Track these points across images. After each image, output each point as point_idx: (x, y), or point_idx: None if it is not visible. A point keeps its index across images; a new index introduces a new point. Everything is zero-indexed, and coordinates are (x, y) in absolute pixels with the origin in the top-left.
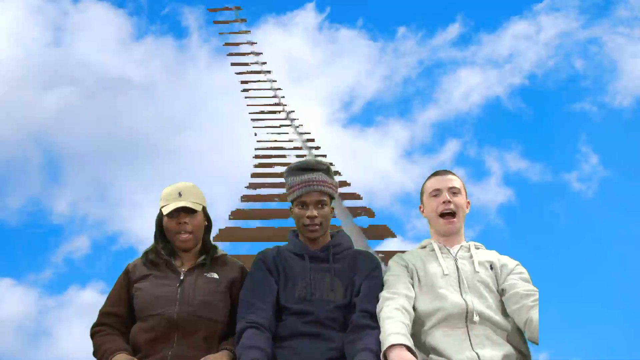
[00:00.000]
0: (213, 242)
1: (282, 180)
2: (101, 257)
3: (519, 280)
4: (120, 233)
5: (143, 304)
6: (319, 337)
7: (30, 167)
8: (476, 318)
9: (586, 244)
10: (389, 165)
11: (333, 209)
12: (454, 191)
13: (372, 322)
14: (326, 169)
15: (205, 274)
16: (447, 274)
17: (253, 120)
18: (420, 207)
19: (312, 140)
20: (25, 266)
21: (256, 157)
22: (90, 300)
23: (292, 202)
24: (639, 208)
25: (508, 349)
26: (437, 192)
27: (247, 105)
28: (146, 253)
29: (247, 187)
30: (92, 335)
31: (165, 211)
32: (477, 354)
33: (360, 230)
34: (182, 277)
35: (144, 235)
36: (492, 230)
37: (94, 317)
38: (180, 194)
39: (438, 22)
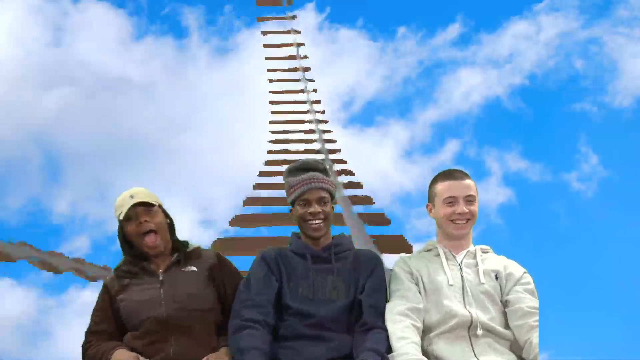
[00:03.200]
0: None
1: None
2: (101, 257)
3: (524, 293)
4: None
5: (130, 313)
6: (320, 338)
7: (30, 167)
8: (480, 331)
9: (586, 243)
10: (389, 165)
11: (333, 208)
12: (469, 199)
13: (380, 322)
14: (324, 169)
15: (183, 269)
16: (451, 284)
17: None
18: (428, 206)
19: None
20: (25, 266)
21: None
22: (90, 300)
23: (292, 203)
24: (639, 208)
25: (512, 357)
26: (452, 200)
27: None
28: (118, 267)
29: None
30: (84, 352)
31: (121, 216)
32: None
33: (359, 219)
34: (161, 278)
35: None
36: (492, 230)
37: None
38: (132, 196)
39: (438, 22)
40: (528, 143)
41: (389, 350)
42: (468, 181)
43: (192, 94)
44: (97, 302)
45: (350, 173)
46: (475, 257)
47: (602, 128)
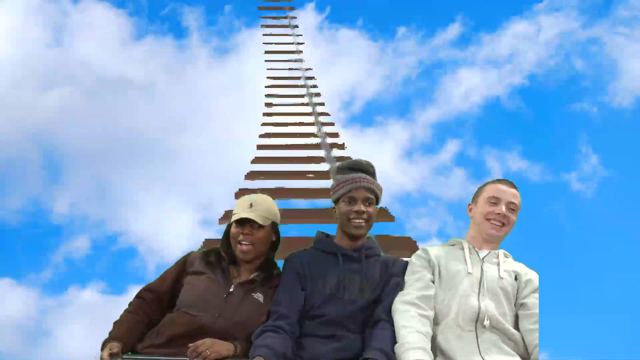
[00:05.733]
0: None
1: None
2: (101, 257)
3: None
4: (120, 233)
5: (186, 299)
6: (332, 337)
7: (30, 167)
8: (486, 322)
9: (586, 243)
10: (389, 165)
11: (376, 212)
12: (511, 207)
13: (389, 316)
14: (374, 172)
15: (253, 294)
16: (470, 273)
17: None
18: (469, 206)
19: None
20: (25, 266)
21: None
22: (90, 300)
23: (336, 200)
24: (639, 208)
25: (516, 359)
26: (495, 201)
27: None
28: (208, 252)
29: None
30: (128, 304)
31: (233, 218)
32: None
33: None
34: (231, 290)
35: (144, 235)
36: None
37: (94, 317)
38: (251, 205)
39: (438, 22)
40: (528, 143)
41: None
42: (516, 191)
43: (192, 94)
44: (174, 263)
45: None
46: (497, 257)
47: (602, 128)
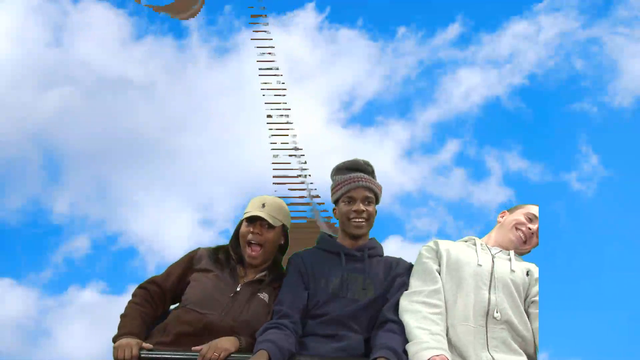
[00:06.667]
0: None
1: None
2: (101, 257)
3: None
4: (120, 233)
5: (193, 297)
6: (334, 337)
7: (30, 167)
8: (497, 314)
9: (586, 244)
10: (389, 165)
11: (376, 211)
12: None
13: (397, 316)
14: (372, 172)
15: (259, 294)
16: (480, 265)
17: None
18: (503, 212)
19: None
20: (25, 266)
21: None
22: (90, 300)
23: (336, 201)
24: (639, 208)
25: (522, 359)
26: (533, 218)
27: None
28: (217, 250)
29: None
30: (132, 295)
31: (245, 216)
32: (492, 357)
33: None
34: (238, 289)
35: (144, 236)
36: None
37: (94, 317)
38: (263, 205)
39: (438, 22)
40: (528, 143)
41: (406, 341)
42: None
43: (192, 94)
44: (179, 260)
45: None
46: (509, 254)
47: (602, 128)
